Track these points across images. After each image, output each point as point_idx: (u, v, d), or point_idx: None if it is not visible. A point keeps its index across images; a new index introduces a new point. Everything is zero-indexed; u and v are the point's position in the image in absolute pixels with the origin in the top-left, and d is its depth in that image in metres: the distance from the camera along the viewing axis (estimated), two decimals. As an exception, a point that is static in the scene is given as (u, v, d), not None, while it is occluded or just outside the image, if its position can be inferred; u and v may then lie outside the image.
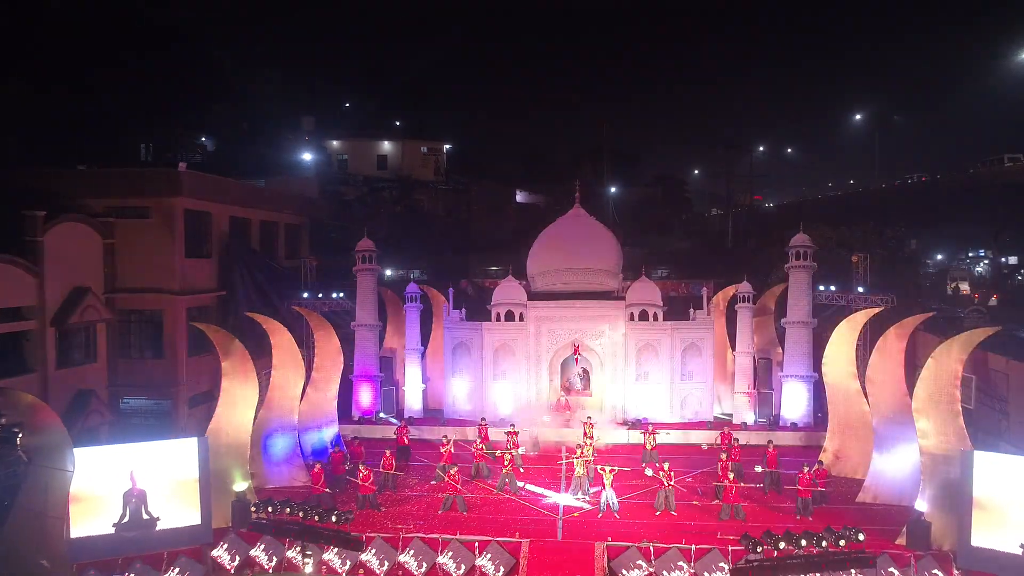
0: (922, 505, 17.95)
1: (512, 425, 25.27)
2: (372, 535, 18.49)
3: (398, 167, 61.85)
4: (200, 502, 18.41)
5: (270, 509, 12.39)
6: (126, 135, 48.11)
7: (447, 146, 66.47)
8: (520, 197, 61.01)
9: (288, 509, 12.26)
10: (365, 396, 29.77)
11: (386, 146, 63.41)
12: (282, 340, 22.70)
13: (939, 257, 55.72)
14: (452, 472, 20.78)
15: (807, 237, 27.89)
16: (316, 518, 12.07)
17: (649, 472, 20.96)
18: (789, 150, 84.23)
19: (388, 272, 42.30)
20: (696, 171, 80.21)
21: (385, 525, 19.66)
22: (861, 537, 14.05)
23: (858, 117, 75.66)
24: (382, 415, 29.35)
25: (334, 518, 12.16)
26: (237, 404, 19.79)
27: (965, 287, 50.44)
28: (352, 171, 61.25)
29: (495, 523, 19.92)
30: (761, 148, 71.64)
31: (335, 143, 63.03)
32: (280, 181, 47.87)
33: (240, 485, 19.68)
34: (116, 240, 26.86)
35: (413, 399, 30.07)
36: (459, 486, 20.64)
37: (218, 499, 19.23)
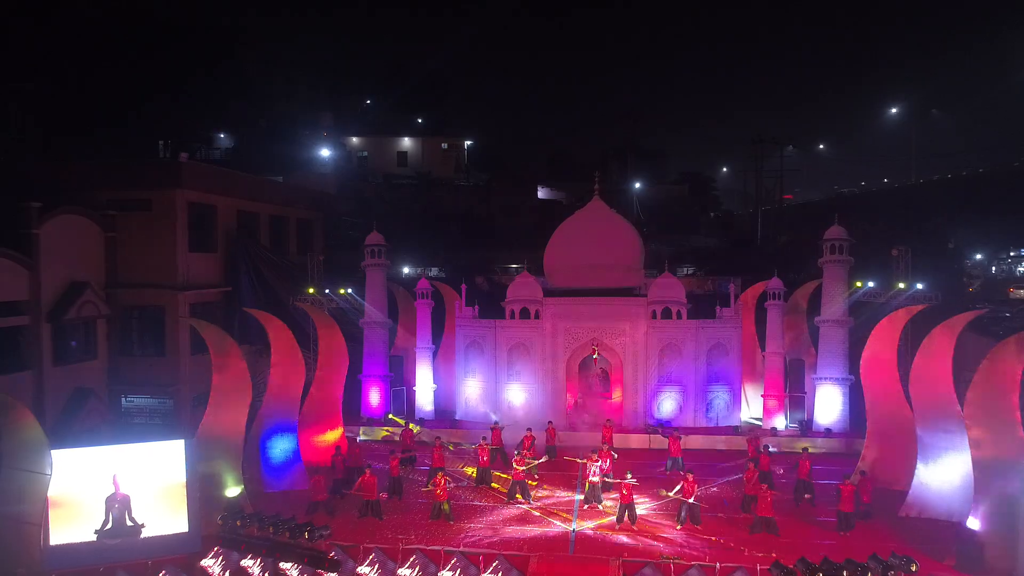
0: (974, 523, 16.15)
1: (528, 429, 23.91)
2: (370, 545, 17.25)
3: (418, 164, 61.02)
4: (187, 508, 17.34)
5: (238, 523, 11.13)
6: (144, 131, 47.78)
7: (468, 142, 65.44)
8: (542, 193, 59.62)
9: (258, 524, 10.95)
10: (374, 396, 28.59)
11: (406, 143, 62.57)
12: (281, 337, 21.56)
13: (978, 256, 53.06)
14: (438, 477, 19.32)
15: (843, 229, 26.03)
16: (287, 534, 10.76)
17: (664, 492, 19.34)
18: (821, 146, 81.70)
19: (406, 270, 41.22)
20: (724, 168, 78.33)
21: (385, 535, 18.35)
22: (915, 568, 12.31)
23: (894, 111, 72.94)
24: (391, 416, 28.09)
25: (307, 535, 10.83)
26: (230, 404, 18.66)
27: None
28: (372, 168, 60.55)
29: (503, 535, 18.51)
30: (791, 145, 69.48)
31: (355, 140, 62.32)
32: (298, 177, 47.31)
33: (233, 490, 18.59)
34: (118, 233, 26.06)
35: (424, 400, 28.79)
36: (440, 491, 19.16)
37: (209, 505, 18.14)
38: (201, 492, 17.75)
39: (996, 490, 16.07)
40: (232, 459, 18.63)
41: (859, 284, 26.43)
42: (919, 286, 25.24)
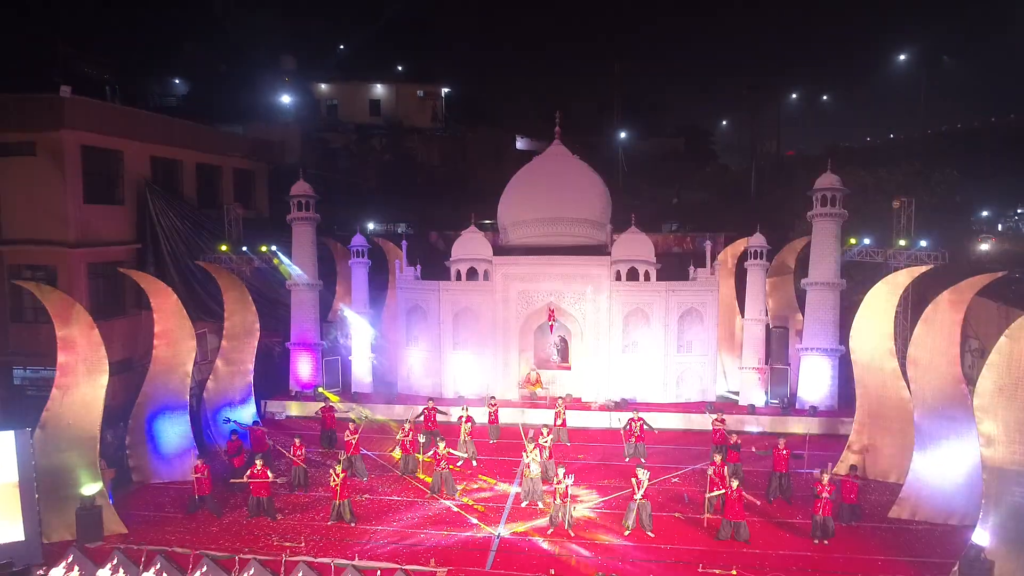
0: (982, 537, 12.99)
1: (465, 408, 20.82)
2: (247, 556, 14.23)
3: (392, 113, 57.17)
4: (23, 512, 14.36)
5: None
6: (89, 74, 44.00)
7: (446, 90, 61.35)
8: (520, 144, 55.78)
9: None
10: (303, 368, 25.44)
11: (379, 90, 58.52)
12: (165, 303, 18.32)
13: (984, 213, 49.51)
14: (338, 470, 16.10)
15: (836, 178, 22.48)
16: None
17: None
18: (825, 98, 77.26)
19: (371, 225, 37.92)
20: (724, 122, 74.27)
21: (271, 541, 15.35)
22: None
23: (902, 58, 68.38)
24: (321, 390, 24.93)
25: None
26: (80, 386, 15.41)
27: None
28: (343, 117, 56.67)
29: (413, 541, 15.46)
30: (793, 95, 65.39)
31: (323, 87, 58.27)
32: (260, 127, 43.54)
33: (89, 488, 15.48)
34: (2, 183, 22.57)
35: (361, 371, 25.61)
36: (339, 487, 16.00)
37: (59, 506, 15.26)
38: (44, 492, 14.80)
39: (1011, 500, 12.85)
40: (87, 451, 15.48)
41: (853, 241, 22.98)
42: (923, 243, 21.79)
